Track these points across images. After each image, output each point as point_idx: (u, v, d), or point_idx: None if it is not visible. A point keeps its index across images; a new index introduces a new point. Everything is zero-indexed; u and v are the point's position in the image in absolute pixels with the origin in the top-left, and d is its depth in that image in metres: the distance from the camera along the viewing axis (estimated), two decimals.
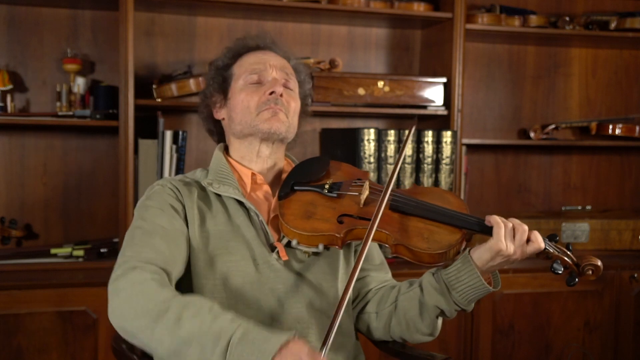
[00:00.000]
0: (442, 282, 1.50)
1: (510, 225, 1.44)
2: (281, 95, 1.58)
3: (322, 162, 1.64)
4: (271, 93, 1.57)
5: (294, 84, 1.65)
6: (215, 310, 1.28)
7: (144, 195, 1.57)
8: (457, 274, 1.48)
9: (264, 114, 1.57)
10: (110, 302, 1.36)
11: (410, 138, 1.68)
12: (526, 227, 1.45)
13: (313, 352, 1.20)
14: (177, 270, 1.46)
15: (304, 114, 1.71)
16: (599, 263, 1.48)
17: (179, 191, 1.55)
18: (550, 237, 1.51)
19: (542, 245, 1.45)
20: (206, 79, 1.71)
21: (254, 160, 1.63)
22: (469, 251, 1.49)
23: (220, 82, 1.66)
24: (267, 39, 1.68)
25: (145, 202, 1.54)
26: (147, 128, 2.76)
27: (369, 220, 1.47)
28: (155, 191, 1.56)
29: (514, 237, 1.44)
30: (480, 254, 1.46)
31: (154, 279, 1.35)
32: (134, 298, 1.31)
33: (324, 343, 1.29)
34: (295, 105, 1.63)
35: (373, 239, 1.45)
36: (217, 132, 1.72)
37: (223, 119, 1.67)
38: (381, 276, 1.70)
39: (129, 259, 1.40)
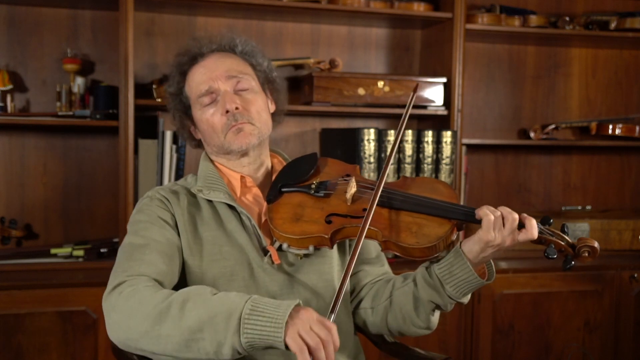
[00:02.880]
0: (435, 276, 1.49)
1: (499, 213, 1.42)
2: (237, 109, 1.55)
3: (310, 161, 1.63)
4: (227, 112, 1.55)
5: (246, 81, 1.60)
6: (218, 292, 1.29)
7: (135, 209, 1.58)
8: (449, 268, 1.46)
9: (230, 136, 1.56)
10: (107, 319, 1.36)
11: (411, 103, 1.62)
12: (516, 216, 1.42)
13: (321, 317, 1.24)
14: (170, 281, 1.47)
15: (274, 89, 1.69)
16: (596, 244, 1.44)
17: (168, 201, 1.56)
18: (544, 221, 1.48)
19: (535, 234, 1.43)
20: (168, 109, 1.68)
21: (239, 168, 1.63)
22: (460, 244, 1.47)
23: (182, 108, 1.64)
24: (204, 42, 1.64)
25: (135, 217, 1.55)
26: (147, 128, 2.75)
27: (358, 218, 1.46)
28: (144, 204, 1.56)
29: (503, 225, 1.41)
30: (471, 246, 1.44)
31: (147, 286, 1.35)
32: (131, 308, 1.31)
33: (332, 310, 1.29)
34: (257, 104, 1.59)
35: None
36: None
37: (200, 138, 1.67)
38: (376, 270, 1.69)
39: (120, 274, 1.40)
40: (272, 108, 1.68)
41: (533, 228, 1.43)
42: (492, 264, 1.53)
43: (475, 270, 1.46)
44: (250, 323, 1.23)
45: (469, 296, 1.52)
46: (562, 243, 1.45)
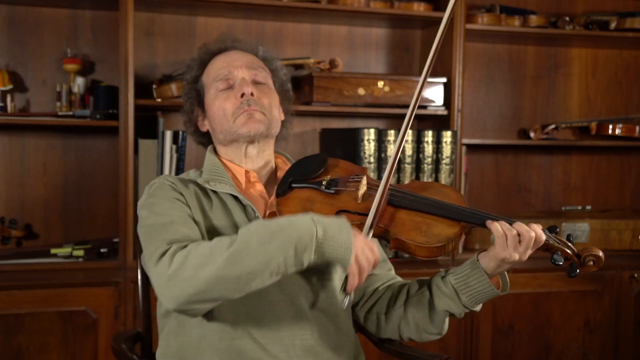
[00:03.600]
0: (450, 286, 1.51)
1: (514, 232, 1.43)
2: (252, 94, 1.59)
3: (320, 159, 1.65)
4: (242, 95, 1.58)
5: (264, 76, 1.65)
6: (281, 222, 1.36)
7: (144, 195, 1.57)
8: (465, 279, 1.49)
9: (240, 119, 1.58)
10: (164, 285, 1.34)
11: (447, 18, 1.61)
12: (533, 235, 1.43)
13: (365, 239, 1.39)
14: None
15: (286, 100, 1.72)
16: (600, 254, 1.48)
17: (177, 186, 1.56)
18: (551, 229, 1.50)
19: (543, 238, 1.45)
20: (182, 96, 1.72)
21: (244, 161, 1.64)
22: (477, 256, 1.49)
23: (195, 95, 1.68)
24: (228, 39, 1.69)
25: (149, 200, 1.53)
26: (147, 128, 2.75)
27: (367, 215, 1.48)
28: (156, 187, 1.56)
29: (519, 243, 1.43)
30: (487, 262, 1.47)
31: (198, 242, 1.37)
32: (197, 262, 1.32)
33: (370, 227, 1.43)
34: (270, 98, 1.63)
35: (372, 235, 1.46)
36: (208, 143, 1.72)
37: (207, 130, 1.68)
38: (385, 273, 1.70)
39: (160, 244, 1.39)
40: (282, 117, 1.70)
41: (538, 232, 1.44)
42: (506, 275, 1.55)
43: (491, 281, 1.48)
44: (327, 246, 1.34)
45: (481, 305, 1.54)
46: (569, 252, 1.48)
